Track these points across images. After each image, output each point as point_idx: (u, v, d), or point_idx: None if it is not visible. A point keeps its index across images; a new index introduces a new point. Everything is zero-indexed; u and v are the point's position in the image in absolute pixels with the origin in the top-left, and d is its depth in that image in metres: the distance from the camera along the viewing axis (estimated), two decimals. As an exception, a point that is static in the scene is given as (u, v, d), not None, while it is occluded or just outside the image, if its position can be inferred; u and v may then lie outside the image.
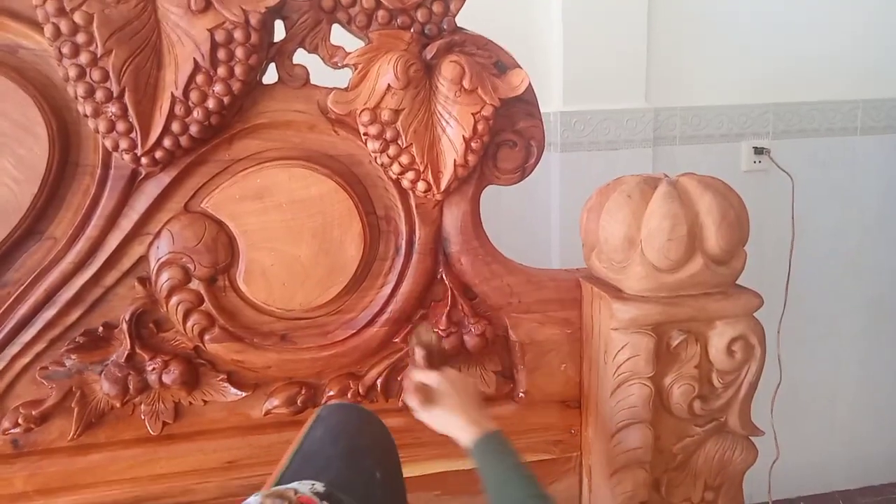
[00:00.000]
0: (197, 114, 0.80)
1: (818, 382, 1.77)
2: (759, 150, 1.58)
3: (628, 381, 0.88)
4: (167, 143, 0.80)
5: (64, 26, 0.75)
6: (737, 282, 0.91)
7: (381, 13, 0.81)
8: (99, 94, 0.78)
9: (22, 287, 0.83)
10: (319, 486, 0.55)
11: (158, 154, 0.81)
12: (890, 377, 1.82)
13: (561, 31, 1.42)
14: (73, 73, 0.77)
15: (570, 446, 0.99)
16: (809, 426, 1.78)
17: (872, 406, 1.83)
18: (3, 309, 0.83)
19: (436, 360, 0.87)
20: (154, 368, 0.87)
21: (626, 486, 0.91)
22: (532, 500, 0.67)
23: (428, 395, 0.79)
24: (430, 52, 0.83)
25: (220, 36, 0.78)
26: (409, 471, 0.91)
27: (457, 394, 0.79)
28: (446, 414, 0.77)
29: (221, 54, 0.79)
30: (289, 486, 0.55)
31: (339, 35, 0.84)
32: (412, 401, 0.80)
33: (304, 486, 0.54)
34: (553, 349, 0.96)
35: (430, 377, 0.80)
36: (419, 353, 0.86)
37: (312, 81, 0.85)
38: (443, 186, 0.87)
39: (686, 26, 1.52)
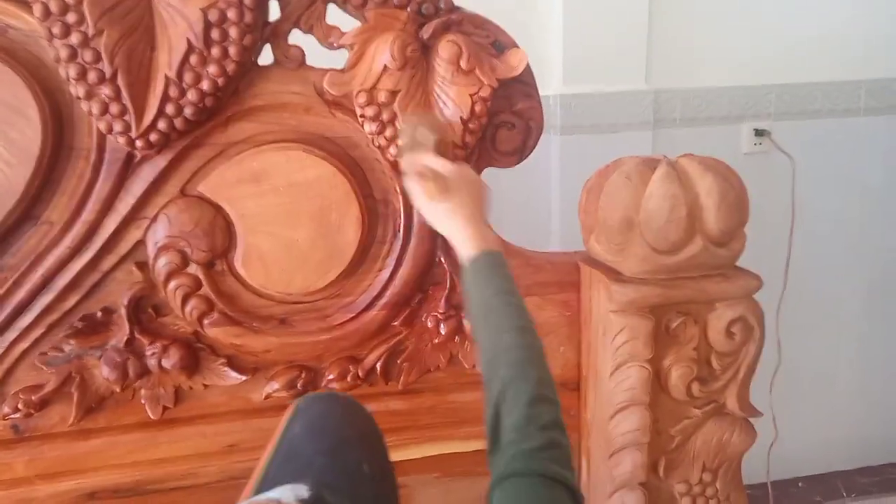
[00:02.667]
0: (191, 95, 0.79)
1: (817, 365, 1.78)
2: (759, 132, 1.57)
3: (626, 364, 0.88)
4: (161, 125, 0.79)
5: (54, 6, 0.74)
6: (736, 264, 0.90)
7: (376, -8, 0.80)
8: (91, 76, 0.76)
9: (19, 272, 0.82)
10: (304, 491, 0.51)
11: (153, 137, 0.80)
12: (889, 359, 1.82)
13: (560, 12, 1.40)
14: (64, 53, 0.76)
15: (568, 428, 0.99)
16: (808, 408, 1.79)
17: (871, 387, 1.83)
18: (0, 294, 0.83)
19: (445, 151, 0.77)
20: (154, 353, 0.87)
21: (624, 468, 0.91)
22: (514, 333, 0.61)
23: (435, 183, 0.70)
24: (426, 32, 0.82)
25: (213, 15, 0.76)
26: (408, 453, 0.92)
27: (469, 196, 0.70)
28: (452, 214, 0.69)
29: (215, 34, 0.77)
30: (270, 495, 0.50)
31: (335, 15, 0.83)
32: (416, 186, 0.72)
33: (288, 494, 0.50)
34: (551, 332, 0.96)
35: (444, 165, 0.71)
36: (429, 136, 0.75)
37: (308, 62, 0.84)
38: (441, 169, 0.86)
39: (687, 7, 1.50)
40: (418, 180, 0.72)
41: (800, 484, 1.82)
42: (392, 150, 0.85)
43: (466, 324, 0.65)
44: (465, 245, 0.68)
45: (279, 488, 0.51)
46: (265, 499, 0.49)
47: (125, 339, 0.86)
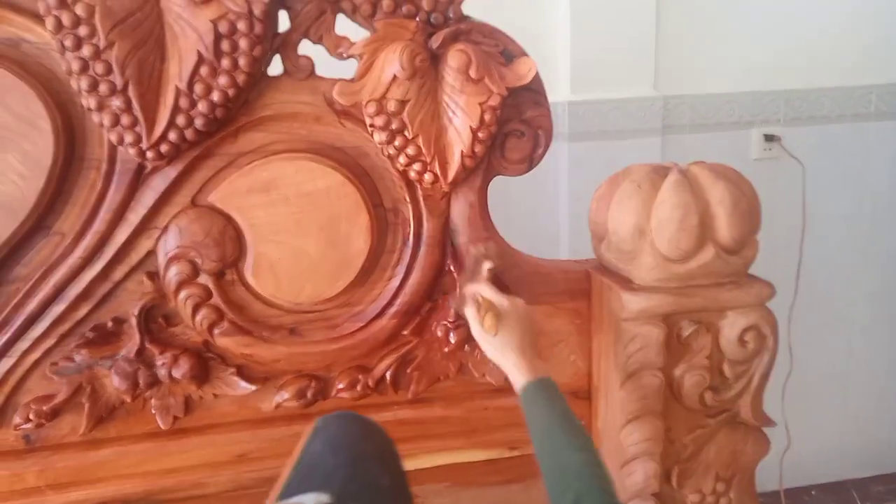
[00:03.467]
0: (202, 107, 0.79)
1: (829, 370, 1.76)
2: (769, 138, 1.56)
3: (638, 373, 0.87)
4: (172, 136, 0.79)
5: (66, 19, 0.75)
6: (748, 271, 0.89)
7: (385, 2, 0.80)
8: (102, 88, 0.77)
9: (30, 283, 0.83)
10: (325, 498, 0.53)
11: (164, 148, 0.80)
12: (901, 364, 1.81)
13: (568, 19, 1.40)
14: (75, 66, 0.76)
15: (580, 438, 0.99)
16: (821, 414, 1.77)
17: (884, 393, 1.81)
18: (12, 305, 0.83)
19: (496, 281, 0.84)
20: (164, 363, 0.87)
21: (636, 478, 0.90)
22: (580, 452, 0.68)
23: (491, 315, 0.77)
24: (435, 42, 0.82)
25: (223, 27, 0.77)
26: (418, 462, 0.91)
27: (521, 328, 0.77)
28: (506, 346, 0.77)
29: (225, 46, 0.78)
30: (292, 500, 0.53)
31: (344, 25, 0.83)
32: (472, 315, 0.79)
33: (310, 499, 0.52)
34: (562, 340, 0.95)
35: (500, 299, 0.79)
36: (486, 267, 0.83)
37: (318, 72, 0.84)
38: (450, 177, 0.86)
39: (694, 12, 1.50)
40: (476, 311, 0.79)
41: (813, 492, 1.80)
42: (401, 159, 0.85)
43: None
44: (518, 375, 0.75)
45: (300, 496, 0.53)
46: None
47: (136, 348, 0.86)
